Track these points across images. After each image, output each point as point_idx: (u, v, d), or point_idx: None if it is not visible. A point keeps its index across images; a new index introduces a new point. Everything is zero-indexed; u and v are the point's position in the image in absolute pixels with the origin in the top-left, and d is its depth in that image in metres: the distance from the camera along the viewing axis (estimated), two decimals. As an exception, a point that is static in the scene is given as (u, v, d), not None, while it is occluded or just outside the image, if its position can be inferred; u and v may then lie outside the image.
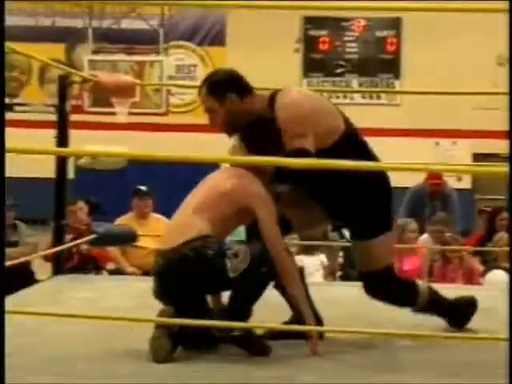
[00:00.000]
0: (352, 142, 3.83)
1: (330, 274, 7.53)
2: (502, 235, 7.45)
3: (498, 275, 6.84)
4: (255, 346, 3.49)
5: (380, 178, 3.82)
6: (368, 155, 3.82)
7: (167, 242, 3.60)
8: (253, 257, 3.44)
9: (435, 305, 3.97)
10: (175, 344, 3.38)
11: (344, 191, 3.75)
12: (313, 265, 7.28)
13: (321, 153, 3.60)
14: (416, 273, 7.23)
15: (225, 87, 3.74)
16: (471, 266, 7.20)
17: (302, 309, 3.57)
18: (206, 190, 3.65)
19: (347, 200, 3.79)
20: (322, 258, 7.50)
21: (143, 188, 7.96)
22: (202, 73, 15.60)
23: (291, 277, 3.58)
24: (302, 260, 6.82)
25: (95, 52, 14.44)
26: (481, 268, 7.33)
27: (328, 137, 3.73)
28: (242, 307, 3.50)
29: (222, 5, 3.55)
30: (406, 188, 9.31)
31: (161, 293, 3.56)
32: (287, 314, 3.80)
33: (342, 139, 3.78)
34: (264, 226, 3.54)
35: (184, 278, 3.46)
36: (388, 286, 3.89)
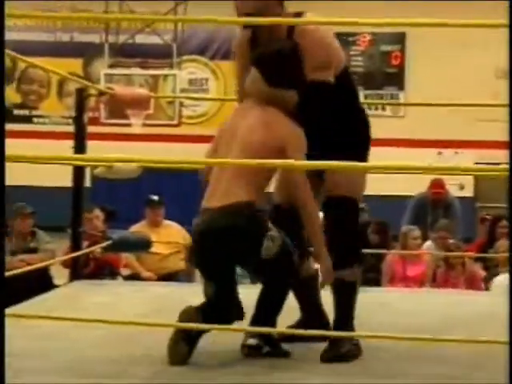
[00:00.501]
0: (349, 76, 3.68)
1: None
2: (503, 242, 7.43)
3: (506, 279, 6.79)
4: (276, 350, 3.44)
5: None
6: (356, 93, 3.77)
7: (212, 202, 3.41)
8: (284, 249, 3.34)
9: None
10: (192, 347, 3.32)
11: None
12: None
13: (328, 85, 3.42)
14: (420, 278, 7.23)
15: None
16: (473, 271, 7.19)
17: (320, 253, 3.43)
18: (240, 151, 3.41)
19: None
20: None
21: (155, 198, 7.97)
22: (213, 86, 15.66)
23: (315, 223, 3.44)
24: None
25: (111, 66, 14.48)
26: (483, 274, 7.33)
27: (336, 69, 3.50)
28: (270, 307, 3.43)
29: (232, 21, 3.56)
30: (410, 196, 9.31)
31: (199, 250, 3.46)
32: (296, 315, 3.77)
33: (344, 72, 3.58)
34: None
35: (223, 239, 3.34)
36: (351, 222, 3.59)
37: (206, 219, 3.39)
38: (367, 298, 3.90)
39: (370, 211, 8.89)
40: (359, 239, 3.69)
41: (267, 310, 3.45)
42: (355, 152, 3.54)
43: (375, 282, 7.41)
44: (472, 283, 7.03)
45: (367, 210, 8.96)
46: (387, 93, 15.23)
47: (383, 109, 14.93)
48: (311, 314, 3.75)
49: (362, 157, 3.60)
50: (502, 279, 6.68)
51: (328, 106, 3.45)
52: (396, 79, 15.32)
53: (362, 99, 15.69)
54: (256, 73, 3.42)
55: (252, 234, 3.33)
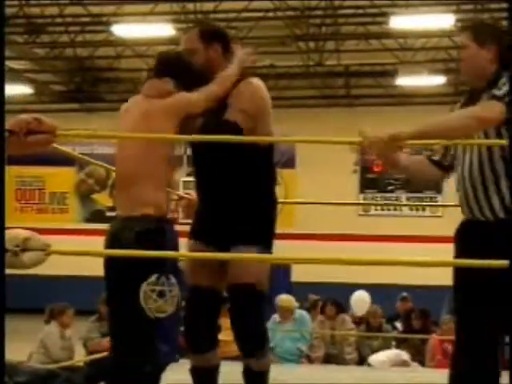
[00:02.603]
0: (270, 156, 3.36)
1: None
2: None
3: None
4: None
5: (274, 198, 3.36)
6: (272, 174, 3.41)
7: (119, 207, 3.14)
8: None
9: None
10: None
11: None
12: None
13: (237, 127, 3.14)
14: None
15: (214, 36, 3.34)
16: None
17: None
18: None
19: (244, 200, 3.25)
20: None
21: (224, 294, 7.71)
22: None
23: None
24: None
25: (188, 175, 14.73)
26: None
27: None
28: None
29: (293, 140, 3.60)
30: (449, 287, 9.13)
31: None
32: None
33: (268, 149, 3.32)
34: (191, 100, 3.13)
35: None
36: (258, 312, 3.24)
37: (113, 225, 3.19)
38: (412, 378, 3.80)
39: (414, 300, 8.76)
40: (264, 327, 3.31)
41: None
42: (260, 239, 3.21)
43: (420, 362, 7.24)
44: (505, 365, 6.80)
45: (410, 299, 8.83)
46: (427, 196, 15.17)
47: (423, 210, 14.87)
48: None
49: (268, 245, 3.25)
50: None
51: (235, 151, 3.14)
52: (434, 184, 15.29)
53: (404, 201, 15.62)
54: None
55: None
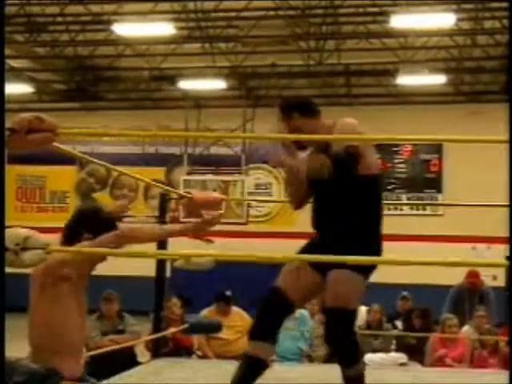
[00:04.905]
0: (377, 186, 3.70)
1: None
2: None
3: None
4: None
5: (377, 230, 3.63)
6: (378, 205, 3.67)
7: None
8: None
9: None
10: None
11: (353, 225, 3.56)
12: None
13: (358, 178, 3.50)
14: (459, 359, 7.03)
15: (291, 107, 3.73)
16: (507, 353, 6.97)
17: None
18: None
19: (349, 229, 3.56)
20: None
21: (228, 294, 7.52)
22: (276, 190, 15.75)
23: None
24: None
25: (189, 173, 14.76)
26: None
27: (367, 168, 3.57)
28: None
29: (293, 138, 3.61)
30: (450, 285, 9.14)
31: None
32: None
33: (374, 178, 3.64)
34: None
35: None
36: (348, 330, 3.55)
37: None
38: (408, 378, 3.80)
39: (414, 299, 8.75)
40: (355, 340, 3.59)
41: None
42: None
43: (419, 361, 7.23)
44: (505, 364, 6.80)
45: (411, 298, 8.82)
46: (427, 195, 15.16)
47: (424, 209, 14.86)
48: None
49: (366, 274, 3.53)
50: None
51: (344, 173, 3.45)
52: (435, 183, 15.27)
53: (405, 200, 15.61)
54: None
55: None
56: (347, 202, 3.55)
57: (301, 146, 3.68)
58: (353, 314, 3.56)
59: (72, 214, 3.50)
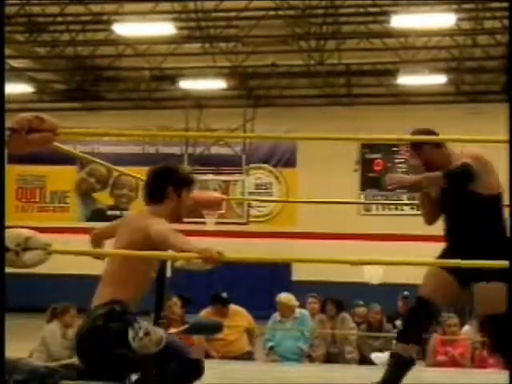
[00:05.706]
0: (497, 207, 3.92)
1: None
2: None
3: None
4: None
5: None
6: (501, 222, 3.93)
7: (93, 302, 3.24)
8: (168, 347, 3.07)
9: None
10: None
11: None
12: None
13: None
14: (460, 359, 7.04)
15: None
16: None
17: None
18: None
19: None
20: None
21: (224, 295, 7.54)
22: (276, 189, 15.77)
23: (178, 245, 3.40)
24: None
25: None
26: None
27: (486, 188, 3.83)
28: None
29: (293, 138, 3.61)
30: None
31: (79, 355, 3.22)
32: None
33: (495, 198, 3.87)
34: (157, 232, 3.31)
35: (90, 344, 3.11)
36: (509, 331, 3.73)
37: (81, 323, 3.25)
38: (408, 378, 3.81)
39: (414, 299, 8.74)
40: None
41: None
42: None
43: (420, 361, 7.24)
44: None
45: (410, 298, 8.83)
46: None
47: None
48: None
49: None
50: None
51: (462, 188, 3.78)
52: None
53: (405, 200, 15.62)
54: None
55: (111, 329, 3.08)
56: (472, 221, 3.91)
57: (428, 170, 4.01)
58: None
59: (147, 175, 3.62)
